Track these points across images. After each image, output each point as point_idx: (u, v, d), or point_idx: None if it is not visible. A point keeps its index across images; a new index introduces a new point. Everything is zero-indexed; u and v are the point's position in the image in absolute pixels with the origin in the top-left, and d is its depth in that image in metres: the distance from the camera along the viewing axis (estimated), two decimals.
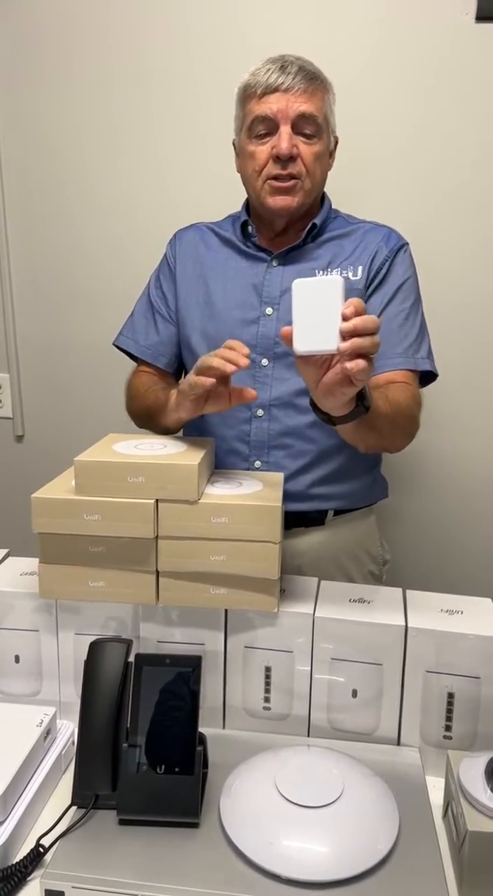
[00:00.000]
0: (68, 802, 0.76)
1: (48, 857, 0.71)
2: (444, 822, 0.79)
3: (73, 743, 0.87)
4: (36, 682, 0.95)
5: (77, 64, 1.60)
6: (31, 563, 0.96)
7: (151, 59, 1.57)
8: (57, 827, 0.74)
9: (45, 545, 0.88)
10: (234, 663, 0.91)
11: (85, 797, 0.76)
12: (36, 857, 0.71)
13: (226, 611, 0.90)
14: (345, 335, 0.75)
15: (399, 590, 0.95)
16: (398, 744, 0.89)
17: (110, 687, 0.78)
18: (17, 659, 0.94)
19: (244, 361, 0.90)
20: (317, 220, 1.18)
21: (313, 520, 1.23)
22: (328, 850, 0.70)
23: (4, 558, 1.03)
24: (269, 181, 1.12)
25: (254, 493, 0.91)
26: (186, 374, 1.20)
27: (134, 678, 0.79)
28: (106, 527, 0.86)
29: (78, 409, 1.79)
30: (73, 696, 0.92)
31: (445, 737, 0.87)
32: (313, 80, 1.10)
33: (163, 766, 0.76)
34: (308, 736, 0.91)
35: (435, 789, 0.81)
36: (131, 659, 0.80)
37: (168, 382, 1.22)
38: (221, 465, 1.11)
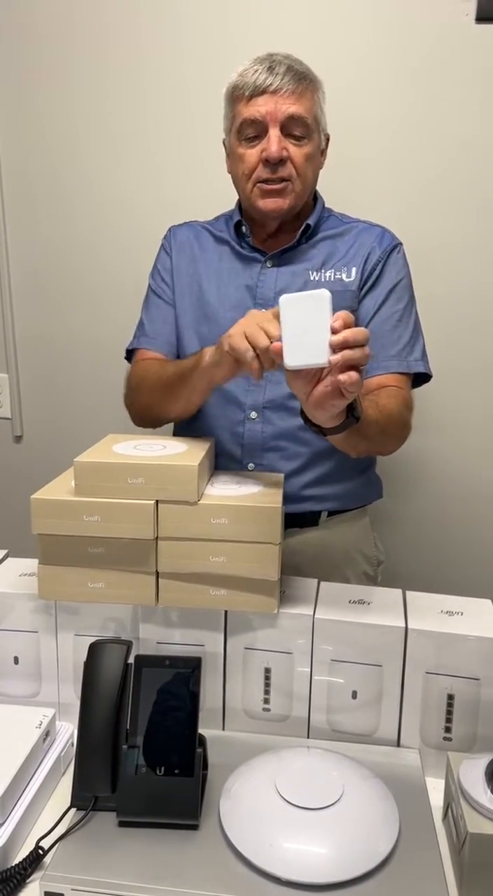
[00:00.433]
0: (68, 804, 0.76)
1: (48, 859, 0.71)
2: (444, 823, 0.79)
3: (72, 744, 0.86)
4: (35, 684, 0.94)
5: (77, 60, 1.60)
6: (31, 564, 0.96)
7: (149, 55, 1.57)
8: (56, 829, 0.73)
9: (45, 546, 0.88)
10: (233, 664, 0.91)
11: (84, 799, 0.76)
12: (35, 859, 0.71)
13: (226, 612, 0.90)
14: (335, 348, 0.75)
15: (399, 591, 0.95)
16: (398, 745, 0.89)
17: (110, 688, 0.78)
18: (16, 660, 0.94)
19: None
20: (310, 221, 1.18)
21: (307, 520, 1.23)
22: (328, 852, 0.70)
23: (4, 559, 1.03)
24: (259, 184, 1.12)
25: (254, 494, 0.91)
26: None
27: (134, 679, 0.79)
28: (106, 528, 0.86)
29: (77, 409, 1.79)
30: (72, 698, 0.92)
31: (445, 738, 0.87)
32: (302, 80, 1.09)
33: (162, 768, 0.76)
34: (308, 737, 0.90)
35: (435, 791, 0.81)
36: (131, 660, 0.80)
37: None
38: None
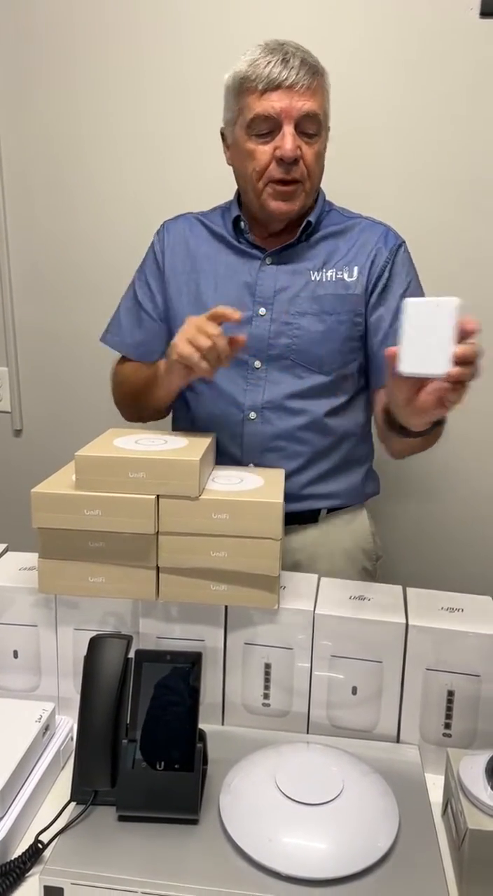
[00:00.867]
0: (67, 798, 0.76)
1: (47, 853, 0.71)
2: (443, 819, 0.79)
3: (72, 739, 0.86)
4: (35, 678, 0.94)
5: (77, 54, 1.59)
6: (31, 558, 0.96)
7: (148, 50, 1.56)
8: (56, 823, 0.73)
9: (45, 540, 0.88)
10: (233, 660, 0.91)
11: (84, 793, 0.76)
12: (35, 853, 0.71)
13: (226, 607, 0.90)
14: (458, 360, 0.74)
15: (399, 587, 0.95)
16: (398, 741, 0.89)
17: (110, 683, 0.77)
18: (15, 654, 0.94)
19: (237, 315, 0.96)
20: (311, 218, 1.16)
21: (307, 518, 1.23)
22: (328, 847, 0.70)
23: (3, 553, 1.03)
24: (271, 184, 1.09)
25: (255, 489, 0.91)
26: None
27: (134, 674, 0.79)
28: (106, 522, 0.86)
29: (77, 403, 1.78)
30: (71, 692, 0.92)
31: (444, 734, 0.87)
32: (315, 74, 1.07)
33: (162, 763, 0.76)
34: (308, 733, 0.90)
35: (435, 787, 0.81)
36: (131, 655, 0.80)
37: None
38: None
